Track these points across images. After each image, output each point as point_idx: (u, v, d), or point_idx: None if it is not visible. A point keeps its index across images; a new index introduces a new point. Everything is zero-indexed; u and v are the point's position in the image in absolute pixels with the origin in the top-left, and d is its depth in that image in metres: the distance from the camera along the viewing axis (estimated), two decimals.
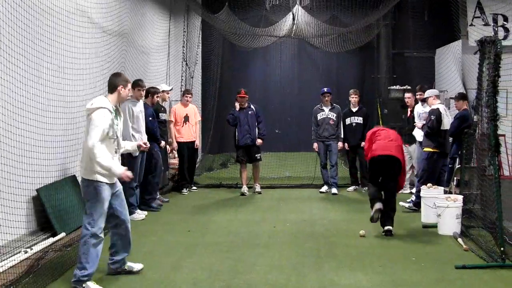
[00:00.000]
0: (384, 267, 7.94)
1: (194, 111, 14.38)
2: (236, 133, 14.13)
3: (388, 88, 18.16)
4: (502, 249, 7.93)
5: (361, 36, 18.18)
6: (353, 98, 14.42)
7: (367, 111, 14.76)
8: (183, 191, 14.15)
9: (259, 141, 14.16)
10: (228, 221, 10.92)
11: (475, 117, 9.59)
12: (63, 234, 9.32)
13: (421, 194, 10.78)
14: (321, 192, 14.26)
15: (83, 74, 10.78)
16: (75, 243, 8.92)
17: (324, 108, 14.42)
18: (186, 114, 14.05)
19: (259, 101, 20.29)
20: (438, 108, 11.53)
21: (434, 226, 9.99)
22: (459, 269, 7.75)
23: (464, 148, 10.25)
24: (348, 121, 14.36)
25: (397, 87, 17.59)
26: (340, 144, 14.27)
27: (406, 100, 14.14)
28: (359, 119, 14.31)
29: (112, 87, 7.36)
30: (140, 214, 11.22)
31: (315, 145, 14.40)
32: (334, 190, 14.03)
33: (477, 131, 9.67)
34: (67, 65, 10.17)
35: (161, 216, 11.45)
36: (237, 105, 14.09)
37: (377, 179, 10.02)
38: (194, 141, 14.20)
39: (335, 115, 14.29)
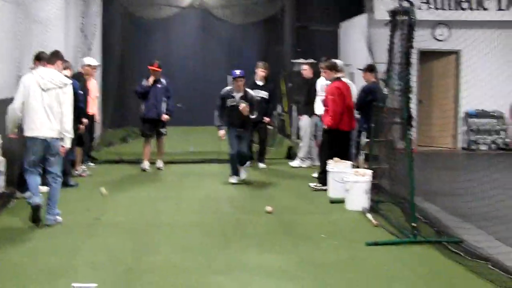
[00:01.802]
0: (294, 245, 7.66)
1: (95, 85, 13.74)
2: (143, 106, 13.47)
3: (292, 61, 17.91)
4: (413, 224, 7.74)
5: (265, 8, 17.85)
6: (261, 72, 13.93)
7: (274, 88, 14.39)
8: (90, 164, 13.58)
9: (165, 116, 13.47)
10: (129, 199, 10.37)
11: (385, 89, 9.36)
12: None
13: (328, 168, 10.53)
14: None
15: None
16: None
17: (235, 94, 11.89)
18: (89, 88, 13.24)
19: (162, 74, 19.78)
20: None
21: (342, 201, 9.77)
22: (371, 246, 7.54)
23: (373, 122, 10.01)
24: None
25: (301, 60, 17.35)
26: None
27: (303, 72, 13.91)
28: (264, 94, 13.83)
29: None
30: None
31: (221, 132, 12.27)
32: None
33: (386, 104, 9.45)
34: None
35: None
36: (151, 79, 13.31)
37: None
38: (93, 114, 13.51)
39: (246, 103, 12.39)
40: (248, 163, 12.72)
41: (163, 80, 13.61)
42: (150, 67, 13.41)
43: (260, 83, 13.88)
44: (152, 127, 13.49)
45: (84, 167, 12.83)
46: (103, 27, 17.78)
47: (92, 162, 13.85)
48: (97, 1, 17.14)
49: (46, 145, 8.47)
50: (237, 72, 11.90)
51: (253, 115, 11.79)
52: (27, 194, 9.19)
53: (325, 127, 11.04)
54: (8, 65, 11.32)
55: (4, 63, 11.11)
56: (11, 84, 11.16)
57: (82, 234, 8.13)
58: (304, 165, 13.81)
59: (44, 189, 9.50)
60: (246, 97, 11.77)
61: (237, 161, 12.01)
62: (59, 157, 8.69)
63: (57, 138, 8.51)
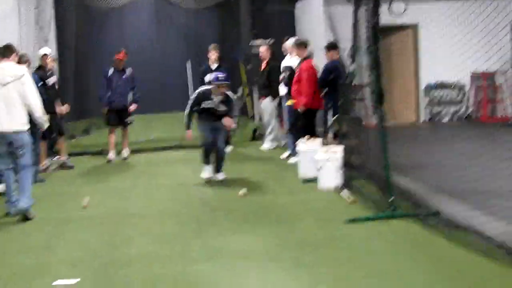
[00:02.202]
0: (271, 227, 7.55)
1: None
2: (108, 96, 13.24)
3: (250, 44, 17.76)
4: (391, 199, 7.70)
5: None
6: (213, 55, 13.77)
7: (228, 69, 14.24)
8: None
9: (133, 107, 13.44)
10: (99, 191, 10.14)
11: (351, 66, 9.30)
12: None
13: (299, 147, 10.46)
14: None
15: None
16: None
17: (213, 96, 10.36)
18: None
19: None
20: (291, 65, 11.70)
21: (314, 180, 9.69)
22: (350, 223, 7.47)
23: (340, 99, 9.96)
24: (207, 78, 13.65)
25: (259, 41, 17.21)
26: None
27: (260, 53, 13.80)
28: None
29: None
30: None
31: (189, 133, 10.85)
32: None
33: (354, 81, 9.41)
34: None
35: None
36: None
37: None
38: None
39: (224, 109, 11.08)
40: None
41: (128, 70, 13.49)
42: (116, 57, 13.34)
43: (214, 66, 13.71)
44: (117, 117, 13.30)
45: (47, 161, 12.53)
46: (57, 18, 17.42)
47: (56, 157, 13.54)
48: None
49: (9, 139, 8.44)
50: (220, 76, 10.23)
51: (235, 123, 10.86)
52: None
53: (301, 108, 11.00)
54: None
55: None
56: None
57: (55, 230, 7.93)
58: (272, 147, 13.77)
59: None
60: (227, 101, 10.30)
61: (210, 152, 10.59)
62: (26, 149, 8.56)
63: (19, 131, 8.45)
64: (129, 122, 13.48)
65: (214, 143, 10.46)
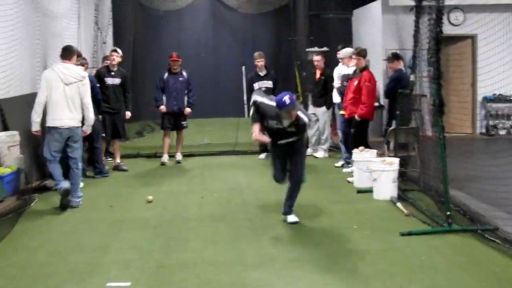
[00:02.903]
0: (325, 237, 7.49)
1: None
2: (164, 99, 13.29)
3: (306, 50, 17.72)
4: (448, 213, 7.58)
5: None
6: (259, 62, 13.70)
7: (275, 75, 14.20)
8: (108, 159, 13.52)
9: (187, 110, 13.39)
10: (153, 194, 10.07)
11: (411, 76, 9.18)
12: None
13: (354, 158, 10.38)
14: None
15: None
16: None
17: (284, 120, 7.76)
18: None
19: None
20: (348, 74, 11.51)
21: (369, 191, 9.61)
22: (405, 236, 7.37)
23: (399, 109, 9.83)
24: (256, 86, 13.64)
25: (315, 49, 17.16)
26: None
27: (315, 62, 13.72)
28: (268, 83, 13.64)
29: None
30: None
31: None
32: None
33: (414, 91, 9.29)
34: None
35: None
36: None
37: None
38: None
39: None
40: (263, 155, 13.50)
41: (184, 73, 13.48)
42: (170, 59, 13.34)
43: (261, 73, 13.70)
44: (172, 120, 13.34)
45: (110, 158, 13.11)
46: (114, 20, 17.65)
47: (110, 157, 13.71)
48: None
49: (69, 133, 9.26)
50: (286, 99, 7.51)
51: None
52: (53, 182, 9.77)
53: (357, 118, 10.87)
54: (26, 61, 11.23)
55: (22, 59, 11.03)
56: (29, 79, 11.12)
57: (109, 231, 8.00)
58: (326, 156, 13.73)
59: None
60: (298, 125, 7.83)
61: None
62: (80, 144, 9.54)
63: (77, 127, 9.36)
64: (184, 125, 13.48)
65: (289, 175, 8.35)
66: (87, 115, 9.55)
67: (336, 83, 12.51)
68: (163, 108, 13.24)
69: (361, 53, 11.11)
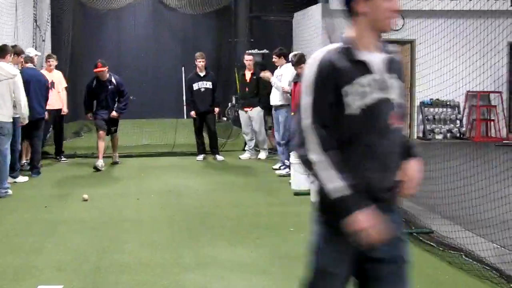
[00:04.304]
0: (263, 239, 7.51)
1: (59, 77, 13.59)
2: (94, 106, 12.99)
3: (246, 52, 17.75)
4: None
5: None
6: (200, 62, 13.76)
7: (215, 76, 14.21)
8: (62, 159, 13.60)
9: (113, 114, 12.91)
10: (89, 195, 9.91)
11: None
12: None
13: (291, 160, 10.42)
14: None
15: None
16: None
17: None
18: (52, 80, 13.08)
19: (113, 66, 19.45)
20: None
21: (307, 193, 9.64)
22: None
23: None
24: (195, 86, 13.73)
25: (255, 51, 17.22)
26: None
27: (246, 62, 13.80)
28: (208, 84, 13.72)
29: None
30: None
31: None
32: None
33: None
34: None
35: (14, 190, 10.30)
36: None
37: None
38: (61, 108, 13.39)
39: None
40: (201, 156, 13.64)
41: (113, 79, 12.87)
42: (95, 70, 12.67)
43: (201, 73, 13.75)
44: (105, 122, 12.92)
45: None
46: (53, 18, 17.38)
47: (64, 157, 13.65)
48: None
49: None
50: None
51: None
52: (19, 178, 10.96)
53: None
54: None
55: None
56: None
57: (44, 232, 7.84)
58: (253, 157, 13.84)
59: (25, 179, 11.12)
60: None
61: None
62: (8, 137, 9.88)
63: (6, 122, 9.74)
64: (113, 130, 13.13)
65: None
66: (19, 111, 10.05)
67: (287, 86, 12.22)
68: (89, 116, 13.18)
69: (299, 61, 11.07)
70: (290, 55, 12.13)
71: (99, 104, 12.88)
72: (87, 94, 12.99)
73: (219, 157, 13.75)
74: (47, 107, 12.22)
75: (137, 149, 15.11)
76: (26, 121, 10.38)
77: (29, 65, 11.73)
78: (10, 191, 9.91)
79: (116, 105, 12.92)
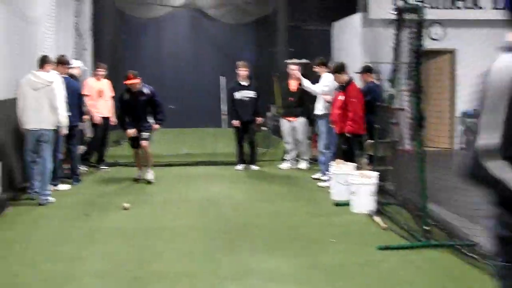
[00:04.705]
0: (303, 249, 7.43)
1: (108, 85, 13.78)
2: (126, 118, 12.16)
3: (286, 61, 17.69)
4: (426, 228, 7.54)
5: (258, 8, 17.69)
6: (242, 71, 13.70)
7: (259, 86, 14.14)
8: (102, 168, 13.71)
9: (155, 126, 12.08)
10: (128, 203, 9.91)
11: (392, 90, 9.14)
12: None
13: (332, 170, 10.33)
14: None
15: None
16: None
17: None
18: (100, 89, 13.37)
19: (153, 75, 19.55)
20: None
21: (347, 204, 9.56)
22: (382, 250, 7.31)
23: (377, 123, 9.78)
24: (237, 95, 13.67)
25: (295, 60, 17.14)
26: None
27: (292, 72, 13.65)
28: (251, 93, 13.67)
29: None
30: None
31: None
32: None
33: (393, 105, 9.25)
34: None
35: (55, 198, 10.32)
36: (131, 131, 12.00)
37: None
38: (109, 117, 13.50)
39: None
40: (240, 166, 13.51)
41: (146, 90, 11.96)
42: (126, 83, 11.85)
43: (244, 83, 13.68)
44: (137, 141, 12.11)
45: (85, 168, 13.13)
46: (94, 27, 17.53)
47: (105, 165, 13.81)
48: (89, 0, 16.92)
49: (37, 135, 10.03)
50: None
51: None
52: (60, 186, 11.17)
53: (347, 134, 10.67)
54: (3, 67, 11.10)
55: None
56: (6, 85, 11.00)
57: (83, 241, 7.86)
58: (293, 167, 13.84)
59: (66, 187, 11.31)
60: None
61: None
62: (50, 144, 10.17)
63: (47, 129, 10.08)
64: (145, 137, 12.04)
65: None
66: (57, 118, 10.22)
67: (327, 95, 12.12)
68: (132, 132, 11.95)
69: (337, 69, 10.98)
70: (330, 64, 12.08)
71: (131, 116, 12.03)
72: (121, 108, 12.25)
73: (254, 167, 13.70)
74: (98, 114, 12.91)
75: (176, 158, 15.10)
76: (64, 131, 10.65)
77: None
78: (51, 199, 10.04)
79: (153, 118, 12.11)
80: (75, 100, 11.64)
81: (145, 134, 11.94)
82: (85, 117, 12.76)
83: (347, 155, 10.58)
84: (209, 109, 21.38)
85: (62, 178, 11.52)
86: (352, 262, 6.94)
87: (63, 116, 10.39)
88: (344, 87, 10.80)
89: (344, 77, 10.85)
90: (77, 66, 12.94)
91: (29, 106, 10.10)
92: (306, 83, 12.39)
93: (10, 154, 10.77)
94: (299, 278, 6.38)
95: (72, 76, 12.42)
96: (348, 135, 10.61)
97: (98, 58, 16.83)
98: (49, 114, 10.10)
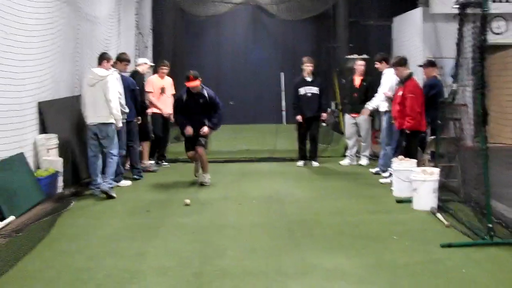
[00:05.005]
0: (366, 247, 7.39)
1: (170, 83, 13.94)
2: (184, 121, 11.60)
3: (346, 57, 17.64)
4: (490, 225, 7.44)
5: (318, 4, 17.65)
6: (308, 67, 13.67)
7: (322, 82, 14.09)
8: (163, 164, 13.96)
9: (205, 130, 11.47)
10: (190, 199, 10.05)
11: (454, 85, 9.03)
12: (12, 218, 8.49)
13: (393, 167, 10.26)
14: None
15: (30, 48, 9.94)
16: (25, 228, 8.17)
17: None
18: (163, 86, 13.55)
19: (212, 72, 19.74)
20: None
21: (409, 200, 9.50)
22: (445, 248, 7.25)
23: (440, 119, 9.66)
24: (302, 91, 13.66)
25: (355, 56, 17.08)
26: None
27: (359, 67, 13.59)
28: (315, 89, 13.63)
29: None
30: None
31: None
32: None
33: (455, 101, 9.14)
34: (12, 36, 9.28)
35: (118, 194, 10.61)
36: (189, 129, 11.51)
37: None
38: (171, 114, 13.51)
39: None
40: (301, 162, 13.52)
41: (205, 92, 11.46)
42: (187, 84, 11.32)
43: (309, 78, 13.65)
44: (192, 143, 11.62)
45: (152, 162, 13.41)
46: (154, 25, 17.76)
47: (165, 161, 14.08)
48: None
49: (96, 130, 10.49)
50: None
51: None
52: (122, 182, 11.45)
53: (407, 131, 10.53)
54: (65, 65, 11.37)
55: (61, 62, 11.17)
56: (68, 83, 11.28)
57: (146, 237, 7.99)
58: (354, 163, 13.87)
59: (128, 183, 11.57)
60: None
61: None
62: (110, 139, 10.58)
63: (104, 123, 10.49)
64: (202, 142, 11.57)
65: None
66: (111, 112, 10.49)
67: (388, 92, 12.12)
68: (190, 130, 11.42)
69: (400, 63, 10.86)
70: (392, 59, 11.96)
71: (188, 119, 11.54)
72: (179, 109, 11.63)
73: (315, 163, 13.69)
74: (158, 111, 13.22)
75: (237, 154, 15.21)
76: (119, 124, 10.80)
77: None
78: (113, 188, 10.56)
79: (208, 119, 11.59)
80: (128, 96, 11.69)
81: (201, 140, 11.51)
82: (148, 111, 13.16)
83: (408, 152, 10.47)
84: (269, 105, 21.42)
85: (123, 174, 11.79)
86: (415, 260, 6.87)
87: (116, 110, 10.55)
88: (403, 82, 10.69)
89: (406, 72, 10.73)
90: (143, 62, 13.23)
91: (88, 102, 10.62)
92: (375, 102, 12.31)
93: (75, 149, 11.06)
94: (362, 277, 6.35)
95: (136, 72, 12.65)
96: (407, 131, 10.51)
97: (158, 56, 17.06)
98: (104, 109, 10.45)
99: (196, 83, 11.17)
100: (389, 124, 11.59)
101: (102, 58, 10.81)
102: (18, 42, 9.46)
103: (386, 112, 11.90)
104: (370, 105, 12.36)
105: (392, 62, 11.38)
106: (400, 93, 10.67)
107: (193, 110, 11.43)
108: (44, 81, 10.49)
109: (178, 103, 11.67)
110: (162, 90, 13.50)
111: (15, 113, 9.43)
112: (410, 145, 10.56)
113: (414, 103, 10.37)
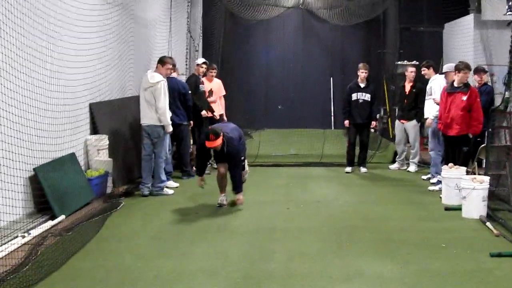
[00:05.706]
0: (412, 254, 7.36)
1: (219, 85, 14.03)
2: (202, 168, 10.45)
3: (396, 63, 17.56)
4: None
5: (369, 10, 17.61)
6: (363, 73, 13.59)
7: (376, 89, 14.03)
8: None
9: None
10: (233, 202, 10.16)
11: (506, 93, 8.93)
12: (62, 217, 8.66)
13: (443, 174, 10.18)
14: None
15: (83, 50, 10.16)
16: (75, 227, 8.35)
17: None
18: (211, 89, 13.63)
19: (261, 76, 19.81)
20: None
21: (458, 208, 9.41)
22: (495, 257, 7.16)
23: (491, 126, 9.56)
24: (354, 96, 13.58)
25: (405, 62, 16.99)
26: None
27: (411, 74, 13.47)
28: (367, 96, 13.55)
29: None
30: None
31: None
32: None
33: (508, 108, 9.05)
34: (66, 38, 9.48)
35: (168, 196, 10.82)
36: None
37: None
38: (221, 114, 13.87)
39: None
40: (349, 168, 13.31)
41: (225, 148, 9.68)
42: (207, 143, 9.57)
43: (362, 84, 13.59)
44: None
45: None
46: (205, 28, 17.91)
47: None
48: (200, 2, 17.29)
49: (149, 130, 10.65)
50: None
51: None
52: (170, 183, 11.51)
53: (471, 136, 10.23)
54: (116, 67, 11.55)
55: (113, 65, 11.35)
56: (119, 85, 11.46)
57: (194, 238, 8.07)
58: (402, 168, 13.86)
59: (175, 184, 11.61)
60: None
61: None
62: (161, 141, 10.78)
63: (155, 125, 10.64)
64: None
65: None
66: (159, 117, 10.61)
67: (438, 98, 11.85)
68: (200, 182, 10.16)
69: (468, 67, 10.53)
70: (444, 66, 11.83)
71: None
72: (202, 155, 10.27)
73: (363, 169, 13.63)
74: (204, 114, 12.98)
75: (285, 159, 15.24)
76: (169, 129, 10.86)
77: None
78: (169, 191, 11.02)
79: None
80: (177, 99, 11.80)
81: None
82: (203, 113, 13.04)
83: (467, 157, 10.29)
84: (318, 110, 21.41)
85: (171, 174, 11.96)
86: (463, 269, 6.82)
87: (164, 116, 10.61)
88: (466, 87, 10.38)
89: (467, 77, 10.48)
90: (200, 62, 13.33)
91: (141, 103, 10.77)
92: (433, 110, 12.17)
93: (125, 150, 11.24)
94: (408, 284, 6.33)
95: (193, 75, 12.81)
96: (471, 136, 10.29)
97: (208, 59, 17.18)
98: (155, 112, 10.57)
99: (217, 143, 9.52)
100: (438, 130, 11.46)
101: (160, 61, 10.87)
102: (72, 44, 9.66)
103: (434, 118, 11.80)
104: (431, 115, 12.13)
105: (459, 66, 11.02)
106: (464, 97, 10.27)
107: (217, 157, 10.27)
108: (97, 81, 10.73)
109: (201, 149, 10.05)
110: (210, 93, 13.54)
111: (68, 114, 9.63)
112: (471, 150, 10.40)
113: (478, 110, 10.14)
